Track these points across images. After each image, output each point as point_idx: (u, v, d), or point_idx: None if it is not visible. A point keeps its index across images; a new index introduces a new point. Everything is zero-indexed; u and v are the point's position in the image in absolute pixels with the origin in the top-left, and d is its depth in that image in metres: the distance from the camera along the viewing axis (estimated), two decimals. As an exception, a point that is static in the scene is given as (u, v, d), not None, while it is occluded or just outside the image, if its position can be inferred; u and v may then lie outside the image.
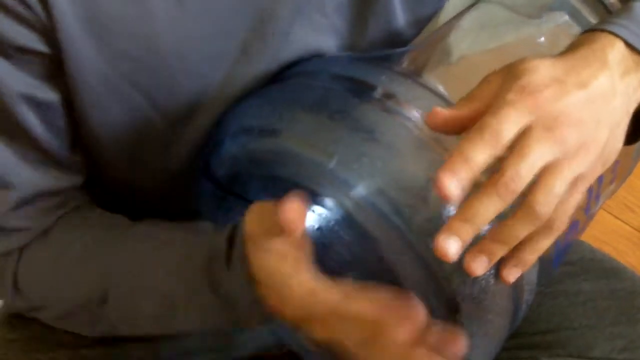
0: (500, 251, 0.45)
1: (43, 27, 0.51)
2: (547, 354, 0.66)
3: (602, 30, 0.50)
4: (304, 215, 0.44)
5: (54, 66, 0.53)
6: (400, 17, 0.60)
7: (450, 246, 0.43)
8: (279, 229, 0.44)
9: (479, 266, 0.45)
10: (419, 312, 0.46)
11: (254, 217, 0.47)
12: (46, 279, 0.59)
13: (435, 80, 0.53)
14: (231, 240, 0.51)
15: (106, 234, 0.59)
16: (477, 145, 0.43)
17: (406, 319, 0.46)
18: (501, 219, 0.45)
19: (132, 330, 0.59)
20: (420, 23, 0.61)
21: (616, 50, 0.49)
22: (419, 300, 0.45)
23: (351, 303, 0.46)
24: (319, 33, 0.57)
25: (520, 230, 0.44)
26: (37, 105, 0.54)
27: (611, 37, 0.49)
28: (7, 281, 0.60)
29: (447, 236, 0.43)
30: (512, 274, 0.47)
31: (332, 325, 0.46)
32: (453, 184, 0.42)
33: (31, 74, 0.53)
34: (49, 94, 0.55)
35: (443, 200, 0.42)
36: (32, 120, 0.55)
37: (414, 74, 0.54)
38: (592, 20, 0.58)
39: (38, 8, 0.50)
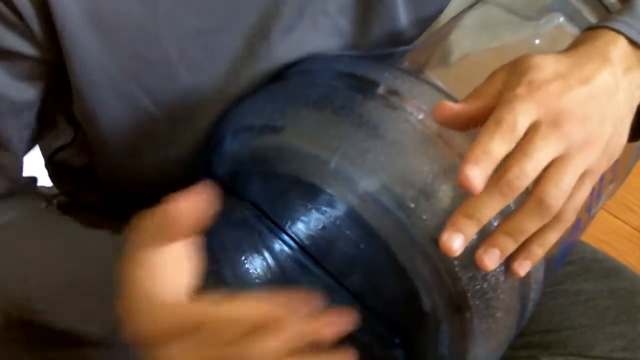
0: (512, 245, 0.46)
1: (30, 31, 0.51)
2: (548, 353, 0.66)
3: (604, 28, 0.50)
4: (194, 209, 0.41)
5: (39, 68, 0.54)
6: (403, 17, 0.60)
7: (455, 242, 0.43)
8: (159, 241, 0.42)
9: (491, 260, 0.45)
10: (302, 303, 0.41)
11: (138, 226, 0.44)
12: None
13: (435, 79, 0.53)
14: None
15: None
16: (496, 137, 0.44)
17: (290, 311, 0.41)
18: (505, 213, 0.45)
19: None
20: (423, 23, 0.61)
21: (619, 47, 0.49)
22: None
23: (225, 304, 0.41)
24: (322, 33, 0.57)
25: (531, 223, 0.45)
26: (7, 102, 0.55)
27: (613, 34, 0.50)
28: None
29: (451, 232, 0.43)
30: (522, 267, 0.47)
31: (201, 339, 0.41)
32: (478, 176, 0.42)
33: (9, 75, 0.53)
34: (25, 93, 0.55)
35: (467, 192, 0.43)
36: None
37: (417, 72, 0.54)
38: (592, 20, 0.58)
39: (29, 11, 0.50)
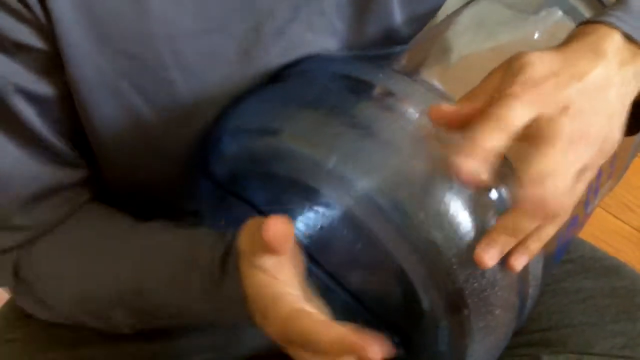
0: (511, 242, 0.46)
1: (39, 24, 0.51)
2: (548, 352, 0.66)
3: (598, 22, 0.50)
4: (289, 234, 0.43)
5: (51, 62, 0.53)
6: (398, 15, 0.60)
7: (491, 257, 0.45)
8: (265, 245, 0.44)
9: (490, 257, 0.45)
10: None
11: (246, 233, 0.46)
12: (55, 274, 0.59)
13: (432, 78, 0.53)
14: (226, 253, 0.52)
15: (114, 231, 0.60)
16: (488, 132, 0.44)
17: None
18: (502, 208, 0.45)
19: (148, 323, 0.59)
20: (418, 21, 0.61)
21: (612, 41, 0.49)
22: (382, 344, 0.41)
23: (322, 334, 0.42)
24: (318, 33, 0.57)
25: (530, 221, 0.45)
26: (33, 99, 0.54)
27: (607, 29, 0.50)
28: (7, 271, 0.59)
29: (487, 246, 0.45)
30: (519, 262, 0.47)
31: (305, 354, 0.43)
32: (471, 168, 0.43)
33: (27, 69, 0.53)
34: (45, 89, 0.54)
35: (464, 183, 0.43)
36: (29, 114, 0.55)
37: (412, 72, 0.54)
38: (588, 15, 0.58)
39: (36, 6, 0.50)
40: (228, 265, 0.51)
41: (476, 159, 0.43)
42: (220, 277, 0.52)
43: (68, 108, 0.56)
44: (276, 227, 0.43)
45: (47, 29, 0.51)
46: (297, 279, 0.46)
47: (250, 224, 0.46)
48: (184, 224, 0.57)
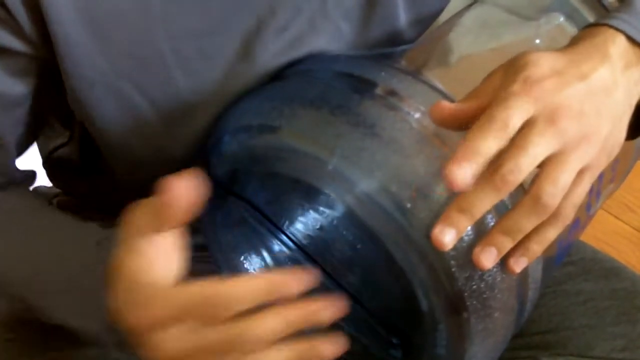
0: (509, 243, 0.45)
1: (20, 27, 0.51)
2: (548, 354, 0.66)
3: (603, 25, 0.50)
4: (189, 195, 0.42)
5: (29, 64, 0.54)
6: (403, 17, 0.60)
7: (446, 236, 0.43)
8: (153, 228, 0.43)
9: (488, 259, 0.45)
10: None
11: (133, 214, 0.45)
12: None
13: (434, 79, 0.53)
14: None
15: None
16: (486, 135, 0.43)
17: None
18: (501, 210, 0.45)
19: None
20: (422, 23, 0.61)
21: (617, 44, 0.49)
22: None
23: (221, 283, 0.42)
24: (322, 36, 0.57)
25: (528, 221, 0.45)
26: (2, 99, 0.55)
27: (612, 31, 0.50)
28: None
29: (443, 226, 0.43)
30: (518, 264, 0.47)
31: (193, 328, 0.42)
32: (463, 174, 0.42)
33: (2, 70, 0.54)
34: (17, 89, 0.55)
35: (453, 190, 0.42)
36: None
37: (415, 72, 0.54)
38: (591, 19, 0.58)
39: (19, 10, 0.50)
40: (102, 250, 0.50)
41: (468, 164, 0.42)
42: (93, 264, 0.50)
43: (37, 105, 0.57)
44: (176, 187, 0.42)
45: (33, 31, 0.51)
46: (181, 266, 0.44)
47: (141, 202, 0.45)
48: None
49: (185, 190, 0.42)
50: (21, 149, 0.61)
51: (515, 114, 0.44)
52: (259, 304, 0.41)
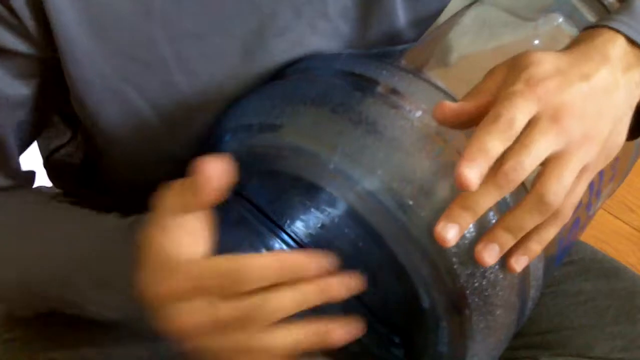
0: (510, 240, 0.45)
1: (25, 29, 0.51)
2: (548, 354, 0.66)
3: (603, 27, 0.50)
4: (221, 174, 0.44)
5: (32, 66, 0.54)
6: (402, 17, 0.60)
7: (449, 232, 0.43)
8: (181, 207, 0.45)
9: (490, 255, 0.45)
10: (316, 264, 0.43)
11: (163, 195, 0.47)
12: None
13: (434, 79, 0.53)
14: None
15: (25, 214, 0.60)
16: (494, 135, 0.44)
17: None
18: (503, 208, 0.45)
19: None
20: (422, 23, 0.61)
21: (617, 46, 0.49)
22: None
23: (241, 258, 0.43)
24: (321, 36, 0.57)
25: (531, 219, 0.45)
26: (3, 101, 0.55)
27: (612, 33, 0.50)
28: None
29: (445, 223, 0.43)
30: (519, 263, 0.47)
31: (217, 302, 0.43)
32: (474, 174, 0.42)
33: (6, 72, 0.54)
34: (20, 91, 0.55)
35: (463, 190, 0.43)
36: None
37: (415, 70, 0.54)
38: (592, 20, 0.58)
39: (24, 11, 0.50)
40: (128, 239, 0.50)
41: (476, 164, 0.43)
42: (122, 248, 0.51)
43: (40, 106, 0.57)
44: (209, 167, 0.43)
45: (37, 33, 0.51)
46: (204, 240, 0.46)
47: (172, 184, 0.46)
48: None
49: (216, 172, 0.43)
50: (22, 149, 0.61)
51: (520, 113, 0.44)
52: (276, 281, 0.42)
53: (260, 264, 0.43)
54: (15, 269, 0.57)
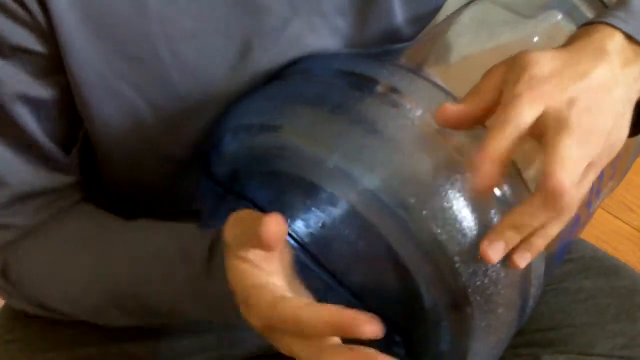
0: (516, 238, 0.46)
1: (39, 26, 0.51)
2: (548, 352, 0.66)
3: (600, 23, 0.51)
4: (284, 234, 0.43)
5: (50, 64, 0.53)
6: (399, 15, 0.60)
7: (497, 252, 0.45)
8: (255, 240, 0.43)
9: (496, 253, 0.45)
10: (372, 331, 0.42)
11: (233, 224, 0.46)
12: (43, 273, 0.59)
13: (434, 77, 0.53)
14: (212, 248, 0.52)
15: (99, 230, 0.60)
16: (503, 140, 0.44)
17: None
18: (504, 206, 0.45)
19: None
20: (420, 21, 0.61)
21: (615, 41, 0.49)
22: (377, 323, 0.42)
23: (305, 312, 0.43)
24: (319, 34, 0.57)
25: (537, 217, 0.45)
26: (30, 103, 0.54)
27: (609, 29, 0.50)
28: None
29: (491, 242, 0.45)
30: (522, 259, 0.47)
31: (289, 340, 0.44)
32: (489, 177, 0.44)
33: (25, 72, 0.53)
34: (42, 92, 0.54)
35: (482, 194, 0.44)
36: (26, 118, 0.55)
37: (415, 69, 0.54)
38: (590, 16, 0.58)
39: (35, 7, 0.50)
40: (215, 257, 0.51)
41: (491, 168, 0.44)
42: (207, 268, 0.52)
43: (65, 109, 0.56)
44: (273, 225, 0.42)
45: (47, 31, 0.51)
46: (283, 271, 0.46)
47: (238, 215, 0.46)
48: (170, 221, 0.57)
49: (278, 229, 0.43)
50: (65, 150, 0.59)
51: (526, 115, 0.45)
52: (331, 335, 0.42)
53: (322, 319, 0.42)
54: (102, 280, 0.58)
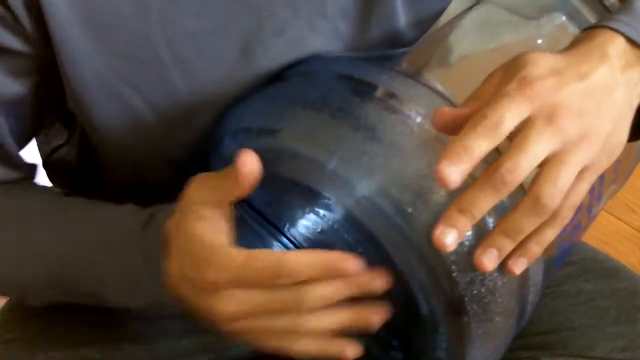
0: (509, 244, 0.45)
1: (22, 27, 0.51)
2: (548, 354, 0.66)
3: (603, 27, 0.50)
4: (258, 168, 0.46)
5: (29, 64, 0.54)
6: (402, 18, 0.59)
7: (448, 237, 0.43)
8: (226, 190, 0.46)
9: (489, 260, 0.45)
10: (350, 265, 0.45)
11: (198, 185, 0.49)
12: None
13: (435, 80, 0.53)
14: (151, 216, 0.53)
15: (39, 209, 0.60)
16: (476, 134, 0.43)
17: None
18: (502, 213, 0.45)
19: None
20: (423, 24, 0.61)
21: (616, 45, 0.49)
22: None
23: (286, 257, 0.45)
24: (321, 36, 0.57)
25: (528, 222, 0.44)
26: (5, 102, 0.55)
27: (611, 33, 0.50)
28: None
29: (444, 227, 0.43)
30: (517, 265, 0.47)
31: (252, 295, 0.45)
32: (453, 172, 0.42)
33: (2, 71, 0.54)
34: (16, 89, 0.55)
35: (443, 188, 0.43)
36: None
37: (414, 74, 0.54)
38: (592, 20, 0.58)
39: (20, 9, 0.50)
40: (153, 223, 0.52)
41: (458, 162, 0.42)
42: (142, 235, 0.52)
43: (35, 108, 0.57)
44: (248, 159, 0.45)
45: (34, 31, 0.51)
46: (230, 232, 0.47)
47: (202, 177, 0.49)
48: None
49: (253, 166, 0.46)
50: (20, 146, 0.61)
51: (508, 113, 0.44)
52: (312, 277, 0.44)
53: (299, 260, 0.44)
54: (34, 255, 0.58)
